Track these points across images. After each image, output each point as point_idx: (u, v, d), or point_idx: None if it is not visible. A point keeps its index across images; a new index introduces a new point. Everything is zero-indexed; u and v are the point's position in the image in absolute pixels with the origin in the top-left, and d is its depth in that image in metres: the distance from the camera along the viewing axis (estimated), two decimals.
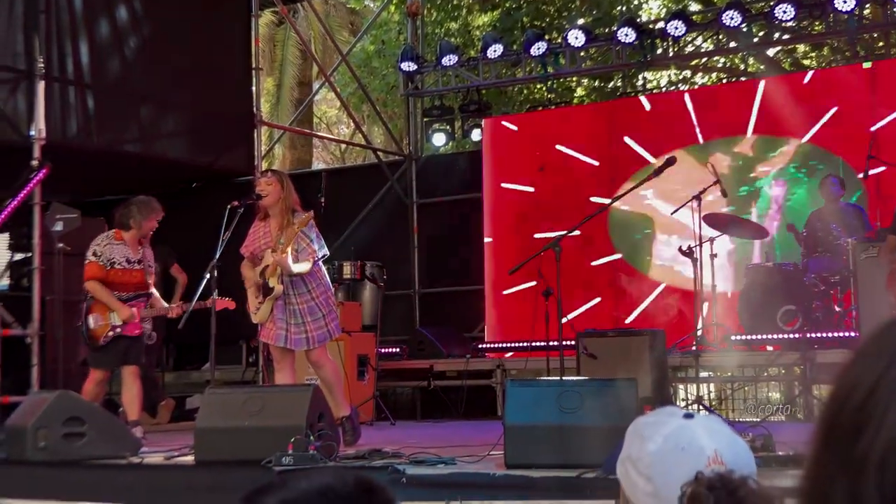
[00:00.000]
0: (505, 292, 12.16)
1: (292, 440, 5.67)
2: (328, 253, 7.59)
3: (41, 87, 9.85)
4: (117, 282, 8.21)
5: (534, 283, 10.98)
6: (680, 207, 9.27)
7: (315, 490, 1.40)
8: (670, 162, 7.34)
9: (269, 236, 7.33)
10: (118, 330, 8.10)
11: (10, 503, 5.92)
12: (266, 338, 7.40)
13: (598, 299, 11.63)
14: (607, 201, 9.76)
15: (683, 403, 10.66)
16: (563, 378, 6.49)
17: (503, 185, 12.53)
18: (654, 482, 1.71)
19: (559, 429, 5.30)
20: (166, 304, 8.46)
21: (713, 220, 9.59)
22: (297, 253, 7.21)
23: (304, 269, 7.18)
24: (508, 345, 11.63)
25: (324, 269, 7.57)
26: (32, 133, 9.76)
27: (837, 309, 9.61)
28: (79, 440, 6.32)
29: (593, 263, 11.72)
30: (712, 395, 12.75)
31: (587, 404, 5.43)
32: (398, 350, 11.97)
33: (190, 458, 6.19)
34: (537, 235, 11.59)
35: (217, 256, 7.34)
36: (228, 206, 7.49)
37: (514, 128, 12.77)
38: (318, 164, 23.05)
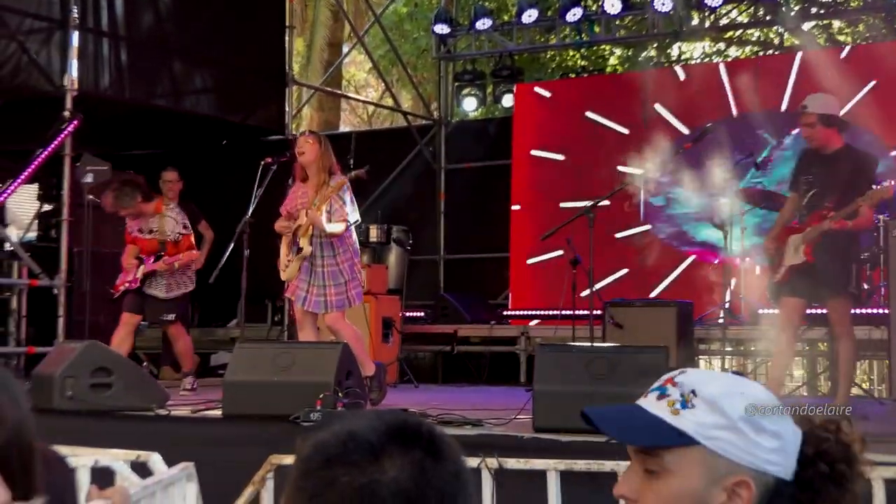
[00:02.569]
0: (531, 260, 12.12)
1: (320, 396, 5.67)
2: (360, 219, 7.57)
3: (75, 37, 9.83)
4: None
5: (560, 252, 11.00)
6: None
7: (343, 433, 1.37)
8: (708, 131, 7.29)
9: (307, 197, 7.33)
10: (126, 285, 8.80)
11: None
12: (290, 294, 7.42)
13: (625, 270, 11.56)
14: (639, 171, 9.70)
15: None
16: (594, 344, 6.46)
17: (532, 152, 12.44)
18: (783, 437, 1.67)
19: (589, 394, 5.27)
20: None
21: (746, 193, 9.52)
22: (329, 214, 7.20)
23: (336, 230, 7.18)
24: (533, 312, 11.59)
25: (354, 235, 7.55)
26: (65, 84, 9.76)
27: (866, 286, 9.53)
28: (106, 391, 6.34)
29: (620, 235, 11.64)
30: (735, 370, 12.73)
31: (617, 371, 5.40)
32: (422, 314, 11.97)
33: (217, 412, 6.20)
34: (565, 205, 11.55)
35: (250, 212, 7.35)
36: (262, 163, 7.49)
37: (547, 94, 12.67)
38: (344, 127, 22.98)
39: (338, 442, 1.36)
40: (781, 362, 6.95)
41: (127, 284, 8.72)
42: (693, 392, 1.69)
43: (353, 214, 7.36)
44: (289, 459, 4.44)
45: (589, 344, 6.39)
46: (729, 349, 9.83)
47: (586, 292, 8.13)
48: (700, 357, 10.51)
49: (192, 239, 8.98)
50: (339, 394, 5.77)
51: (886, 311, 8.30)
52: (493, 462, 4.03)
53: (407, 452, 1.35)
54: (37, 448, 2.00)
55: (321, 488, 1.34)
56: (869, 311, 9.19)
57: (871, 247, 9.32)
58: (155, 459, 3.94)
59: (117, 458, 3.88)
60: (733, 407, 1.67)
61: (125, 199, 8.51)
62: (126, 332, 8.67)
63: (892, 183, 6.52)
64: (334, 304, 7.29)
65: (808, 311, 9.29)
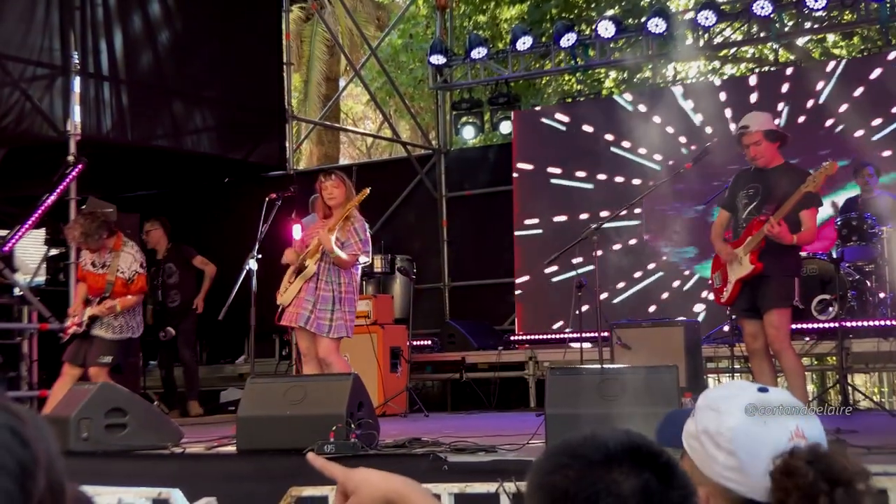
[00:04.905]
0: (537, 284, 12.15)
1: (333, 428, 5.70)
2: (369, 260, 7.63)
3: (77, 82, 9.93)
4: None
5: (566, 275, 11.05)
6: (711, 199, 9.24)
7: (591, 434, 1.47)
8: (707, 151, 7.34)
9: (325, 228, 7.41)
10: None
11: None
12: (287, 321, 7.41)
13: (635, 288, 11.61)
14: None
15: None
16: (604, 366, 6.50)
17: (533, 175, 12.49)
18: (738, 456, 1.71)
19: (601, 416, 5.30)
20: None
21: None
22: (342, 245, 7.28)
23: (342, 256, 7.23)
24: (540, 337, 11.63)
25: (358, 273, 7.62)
26: (68, 129, 9.85)
27: (872, 298, 9.57)
28: (121, 431, 6.38)
29: (629, 254, 11.68)
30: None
31: (628, 392, 5.43)
32: (429, 343, 12.01)
33: (231, 448, 6.23)
34: (571, 226, 11.64)
35: (256, 249, 7.40)
36: (266, 199, 7.56)
37: (545, 119, 12.74)
38: (344, 160, 23.10)
39: (583, 439, 1.46)
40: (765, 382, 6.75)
41: (74, 328, 8.46)
42: (698, 403, 1.80)
43: (365, 256, 7.46)
44: (308, 491, 4.47)
45: (599, 366, 6.43)
46: (737, 366, 9.85)
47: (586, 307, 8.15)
48: (709, 375, 10.54)
49: (145, 281, 8.68)
50: (352, 425, 5.80)
51: (894, 323, 8.35)
52: (511, 486, 4.06)
53: (638, 470, 1.41)
54: (67, 489, 2.04)
55: (553, 469, 1.44)
56: (876, 323, 9.23)
57: (875, 258, 9.38)
58: (176, 496, 3.98)
59: (140, 497, 3.92)
60: (702, 419, 1.78)
61: (94, 234, 8.41)
62: (65, 382, 8.33)
63: (833, 161, 6.43)
64: (335, 329, 7.33)
65: (813, 325, 9.38)
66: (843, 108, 10.71)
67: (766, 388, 1.80)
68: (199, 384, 11.01)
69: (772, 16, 11.28)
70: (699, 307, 11.09)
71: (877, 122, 10.58)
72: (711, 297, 10.78)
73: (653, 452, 1.44)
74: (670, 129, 11.64)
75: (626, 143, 11.90)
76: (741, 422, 1.74)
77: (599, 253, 7.50)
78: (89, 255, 8.56)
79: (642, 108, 11.97)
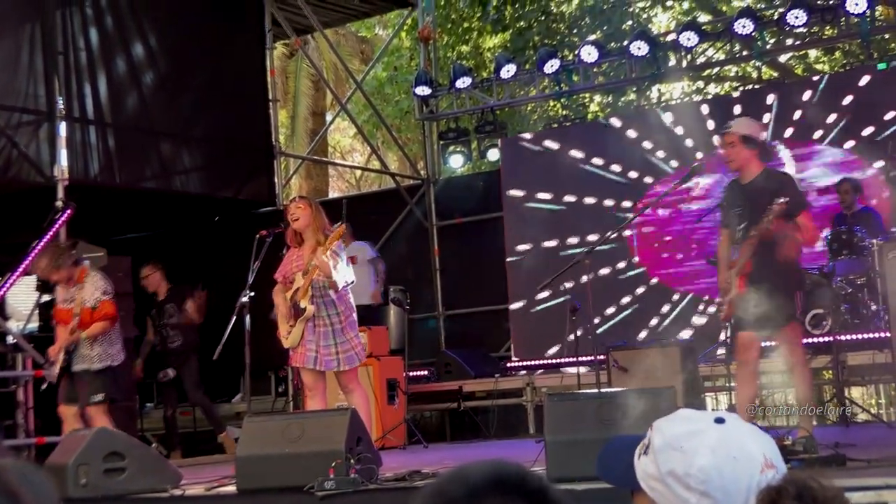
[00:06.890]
0: (530, 310, 12.14)
1: (333, 465, 5.68)
2: (355, 280, 7.58)
3: (62, 127, 9.94)
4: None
5: (559, 300, 11.05)
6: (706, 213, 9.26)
7: (455, 471, 1.41)
8: (695, 170, 7.36)
9: (301, 260, 7.33)
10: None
11: None
12: (296, 362, 7.38)
13: (625, 310, 11.62)
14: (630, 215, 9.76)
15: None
16: (602, 390, 6.49)
17: (522, 201, 12.50)
18: (713, 496, 1.67)
19: (600, 441, 5.28)
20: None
21: None
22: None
23: (339, 279, 7.19)
24: (537, 363, 11.61)
25: (350, 294, 7.58)
26: (55, 174, 9.84)
27: (865, 311, 9.58)
28: (119, 475, 6.34)
29: (620, 276, 11.70)
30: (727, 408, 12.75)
31: (627, 415, 5.42)
32: (426, 373, 11.97)
33: (231, 488, 6.20)
34: (551, 243, 11.69)
35: (248, 286, 7.39)
36: (257, 236, 7.54)
37: (532, 144, 12.76)
38: (334, 193, 23.14)
39: (449, 476, 1.40)
40: (743, 395, 6.85)
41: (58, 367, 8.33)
42: (650, 440, 1.74)
43: (350, 275, 7.41)
44: None
45: (596, 391, 6.42)
46: (734, 384, 9.83)
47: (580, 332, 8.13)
48: (707, 394, 10.52)
49: (112, 307, 8.46)
50: (351, 461, 5.78)
51: (888, 335, 8.33)
52: None
53: (506, 500, 1.36)
54: None
55: None
56: (871, 335, 9.23)
57: (867, 271, 9.39)
58: None
59: None
60: (665, 461, 1.71)
61: (60, 260, 8.35)
62: (69, 424, 8.23)
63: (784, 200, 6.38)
64: (344, 361, 7.29)
65: (807, 340, 9.37)
66: (829, 120, 10.76)
67: (722, 419, 1.78)
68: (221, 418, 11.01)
69: (753, 34, 11.34)
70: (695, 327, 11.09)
71: (867, 131, 10.62)
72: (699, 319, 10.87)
73: (521, 480, 1.38)
74: (656, 150, 11.68)
75: (612, 166, 11.93)
76: (710, 461, 1.70)
77: (594, 275, 7.49)
78: (62, 291, 8.51)
79: (627, 130, 12.02)
